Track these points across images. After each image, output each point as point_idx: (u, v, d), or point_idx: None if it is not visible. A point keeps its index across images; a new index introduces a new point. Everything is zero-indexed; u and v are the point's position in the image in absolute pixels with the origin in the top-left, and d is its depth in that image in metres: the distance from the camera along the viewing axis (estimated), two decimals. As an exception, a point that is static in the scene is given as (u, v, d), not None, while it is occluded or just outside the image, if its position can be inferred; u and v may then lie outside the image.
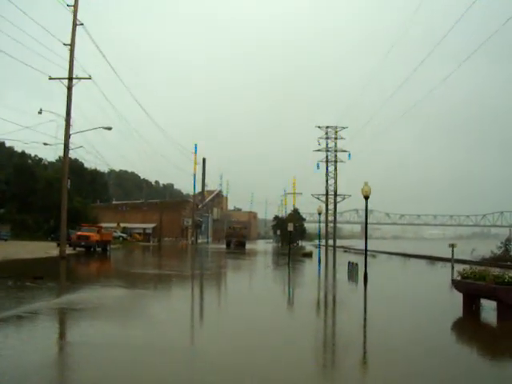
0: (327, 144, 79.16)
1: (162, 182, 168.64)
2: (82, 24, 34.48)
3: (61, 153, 38.41)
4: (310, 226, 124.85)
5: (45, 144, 41.34)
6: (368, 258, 24.21)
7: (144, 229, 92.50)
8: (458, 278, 16.16)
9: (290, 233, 43.82)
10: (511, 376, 8.86)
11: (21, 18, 33.72)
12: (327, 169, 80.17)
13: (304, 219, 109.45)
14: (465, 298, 15.50)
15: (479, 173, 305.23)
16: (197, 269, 34.36)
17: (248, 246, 79.00)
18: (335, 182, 79.64)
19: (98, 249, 46.93)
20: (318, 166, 74.59)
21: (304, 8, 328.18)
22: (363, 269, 22.95)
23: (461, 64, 34.25)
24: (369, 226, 25.99)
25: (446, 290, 20.23)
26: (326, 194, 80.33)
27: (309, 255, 50.35)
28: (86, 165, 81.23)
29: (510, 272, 15.37)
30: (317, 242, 70.89)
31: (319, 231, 58.85)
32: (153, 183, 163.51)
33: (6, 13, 32.63)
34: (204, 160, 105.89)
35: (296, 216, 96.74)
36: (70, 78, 34.58)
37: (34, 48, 35.02)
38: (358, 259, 29.22)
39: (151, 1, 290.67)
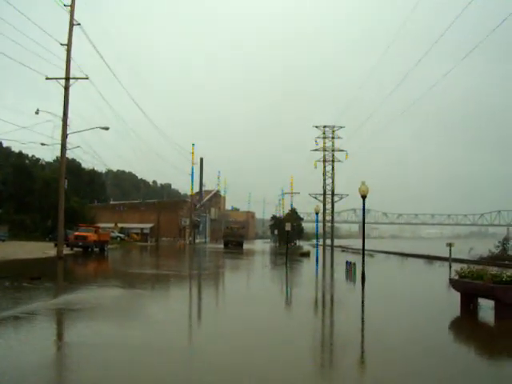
0: (325, 143, 79.26)
1: (159, 181, 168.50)
2: (78, 24, 34.41)
3: (58, 153, 38.29)
4: (307, 226, 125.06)
5: (42, 144, 41.28)
6: (366, 257, 24.23)
7: (142, 229, 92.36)
8: (456, 277, 16.19)
9: (287, 232, 43.78)
10: (509, 375, 8.88)
11: (18, 18, 33.77)
12: (325, 168, 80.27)
13: (302, 219, 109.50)
14: (462, 297, 15.52)
15: (477, 172, 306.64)
16: (194, 269, 34.34)
17: (246, 245, 78.95)
18: (333, 182, 79.83)
19: (96, 249, 46.84)
20: (315, 166, 74.71)
21: (304, 8, 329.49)
22: (361, 268, 22.97)
23: (459, 62, 34.40)
24: (366, 225, 26.04)
25: (444, 290, 20.26)
26: (324, 194, 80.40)
27: (306, 255, 50.36)
28: (84, 165, 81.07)
29: (507, 271, 15.41)
30: (314, 241, 70.91)
31: (317, 231, 58.84)
32: (150, 183, 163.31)
33: (2, 13, 32.62)
34: (202, 160, 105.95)
35: (294, 216, 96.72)
36: (67, 78, 34.50)
37: (30, 48, 35.03)
38: (356, 259, 29.22)
39: (151, 1, 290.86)
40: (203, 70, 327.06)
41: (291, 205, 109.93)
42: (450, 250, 34.09)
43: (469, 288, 15.13)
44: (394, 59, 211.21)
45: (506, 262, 34.53)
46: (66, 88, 34.58)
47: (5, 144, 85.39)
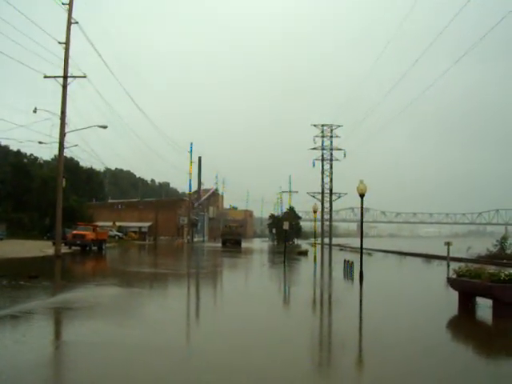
0: (323, 142, 79.33)
1: (157, 180, 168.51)
2: (76, 22, 34.38)
3: (56, 151, 38.26)
4: (306, 225, 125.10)
5: (40, 143, 41.18)
6: (364, 256, 24.23)
7: (140, 227, 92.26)
8: (454, 276, 16.19)
9: (285, 231, 43.79)
10: (507, 374, 8.87)
11: (16, 16, 33.53)
12: (323, 167, 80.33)
13: (300, 217, 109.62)
14: (460, 296, 15.53)
15: (475, 171, 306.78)
16: (193, 267, 34.33)
17: (244, 244, 78.96)
18: (331, 181, 79.93)
19: (94, 247, 46.82)
20: (313, 165, 74.78)
21: (304, 8, 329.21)
22: (359, 267, 22.98)
23: (457, 61, 34.35)
24: (365, 224, 26.06)
25: (442, 288, 20.26)
26: (322, 193, 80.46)
27: (304, 253, 50.34)
28: (82, 163, 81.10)
29: (505, 270, 15.42)
30: (313, 240, 70.94)
31: (315, 229, 58.91)
32: (148, 182, 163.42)
33: (1, 11, 32.52)
34: (200, 158, 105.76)
35: (292, 214, 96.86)
36: (65, 77, 34.46)
37: (28, 46, 34.95)
38: (354, 257, 29.21)
39: (151, 1, 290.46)
40: (203, 69, 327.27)
41: (289, 204, 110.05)
42: (448, 249, 34.09)
43: (467, 287, 15.13)
44: (392, 59, 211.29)
45: (504, 261, 34.57)
46: (64, 86, 34.55)
47: (3, 142, 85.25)
